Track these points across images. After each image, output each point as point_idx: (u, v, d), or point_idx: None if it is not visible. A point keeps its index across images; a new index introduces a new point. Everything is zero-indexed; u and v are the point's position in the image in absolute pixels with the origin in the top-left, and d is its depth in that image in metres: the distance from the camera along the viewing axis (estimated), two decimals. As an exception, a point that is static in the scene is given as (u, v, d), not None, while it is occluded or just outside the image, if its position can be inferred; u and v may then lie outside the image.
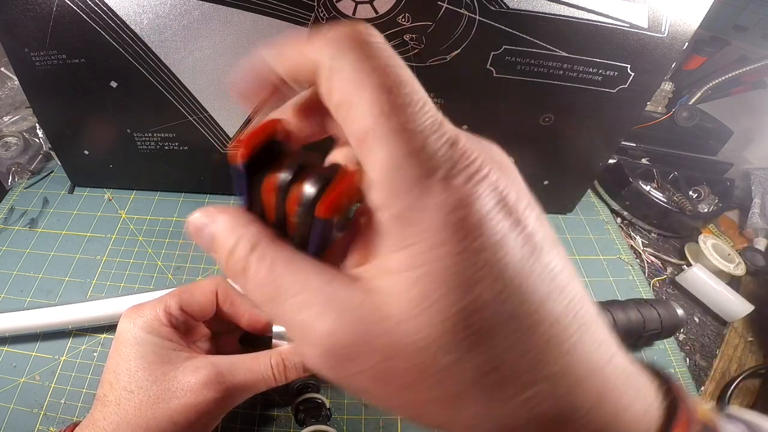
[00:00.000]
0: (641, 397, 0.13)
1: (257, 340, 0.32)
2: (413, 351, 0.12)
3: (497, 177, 0.12)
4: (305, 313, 0.13)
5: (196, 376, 0.25)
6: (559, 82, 0.41)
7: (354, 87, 0.12)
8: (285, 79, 0.14)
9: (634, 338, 0.40)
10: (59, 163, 0.51)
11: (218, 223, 0.14)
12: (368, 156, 0.12)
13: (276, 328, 0.31)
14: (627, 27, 0.37)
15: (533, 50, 0.39)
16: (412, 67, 0.39)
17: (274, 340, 0.30)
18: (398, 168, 0.11)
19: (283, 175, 0.13)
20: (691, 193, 0.56)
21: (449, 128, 0.12)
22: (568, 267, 0.13)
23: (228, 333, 0.33)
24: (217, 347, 0.33)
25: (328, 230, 0.14)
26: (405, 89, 0.12)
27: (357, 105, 0.12)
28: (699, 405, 0.14)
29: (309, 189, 0.13)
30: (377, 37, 0.13)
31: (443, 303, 0.11)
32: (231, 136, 0.46)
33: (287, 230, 0.15)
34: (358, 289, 0.13)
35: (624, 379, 0.13)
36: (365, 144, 0.12)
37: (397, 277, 0.12)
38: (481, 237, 0.11)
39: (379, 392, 0.13)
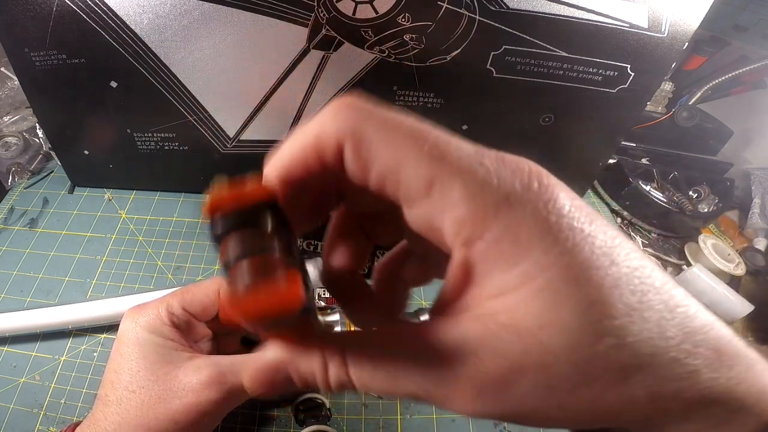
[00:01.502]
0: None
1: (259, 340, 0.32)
2: (566, 350, 0.12)
3: (549, 180, 0.13)
4: (437, 366, 0.13)
5: (197, 376, 0.25)
6: (559, 82, 0.41)
7: (395, 151, 0.13)
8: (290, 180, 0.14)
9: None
10: (59, 163, 0.51)
11: (291, 363, 0.15)
12: (443, 198, 0.13)
13: (277, 328, 0.30)
14: (627, 27, 0.37)
15: (533, 50, 0.39)
16: (412, 67, 0.40)
17: None
18: (476, 195, 0.12)
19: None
20: (691, 193, 0.56)
21: (484, 149, 0.13)
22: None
23: (230, 333, 0.33)
24: (219, 348, 0.33)
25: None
26: (433, 132, 0.13)
27: (408, 164, 0.13)
28: None
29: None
30: (369, 100, 0.13)
31: (574, 300, 0.12)
32: (231, 136, 0.46)
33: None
34: (472, 321, 0.13)
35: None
36: (434, 190, 0.13)
37: (515, 294, 0.12)
38: (573, 230, 0.12)
39: (550, 405, 0.12)
